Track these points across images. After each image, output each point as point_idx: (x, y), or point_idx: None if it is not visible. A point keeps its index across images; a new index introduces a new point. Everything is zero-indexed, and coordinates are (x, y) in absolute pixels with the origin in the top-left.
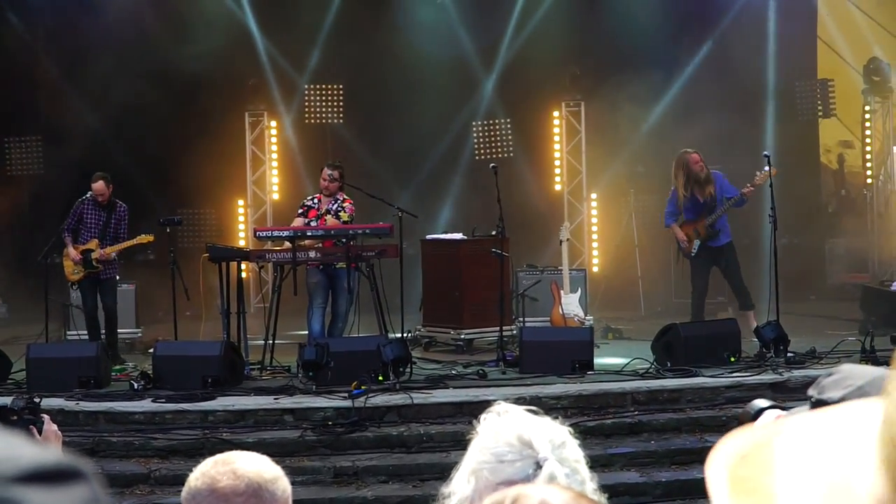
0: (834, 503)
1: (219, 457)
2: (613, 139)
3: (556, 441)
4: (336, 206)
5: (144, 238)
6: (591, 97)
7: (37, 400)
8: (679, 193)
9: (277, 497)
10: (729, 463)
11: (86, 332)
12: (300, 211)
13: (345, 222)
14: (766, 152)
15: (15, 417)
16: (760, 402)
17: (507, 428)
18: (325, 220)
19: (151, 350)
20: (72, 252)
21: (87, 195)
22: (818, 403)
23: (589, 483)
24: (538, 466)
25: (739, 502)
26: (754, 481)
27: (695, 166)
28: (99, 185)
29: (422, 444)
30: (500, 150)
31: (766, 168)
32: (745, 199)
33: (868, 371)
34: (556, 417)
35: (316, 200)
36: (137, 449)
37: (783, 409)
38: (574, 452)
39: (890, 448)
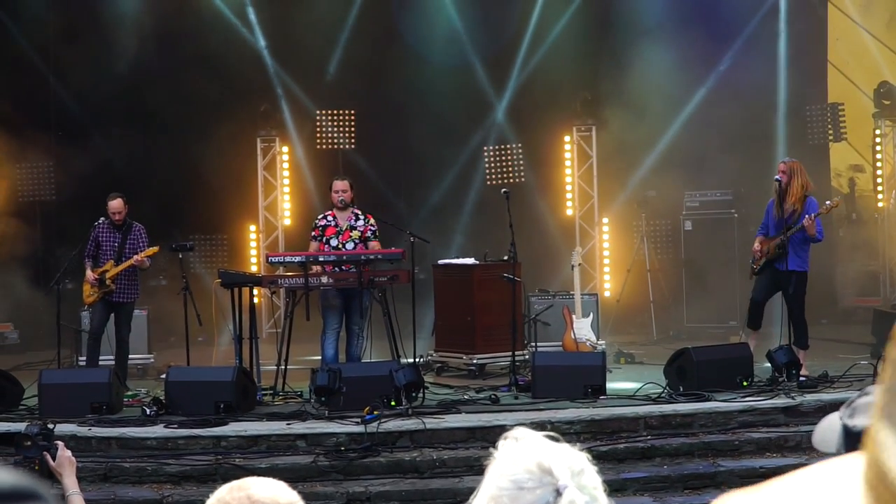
0: None
1: (235, 483)
2: (625, 164)
3: (576, 468)
4: (361, 223)
5: (150, 251)
6: (602, 122)
7: (50, 426)
8: (775, 203)
9: None
10: None
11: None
12: (314, 234)
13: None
14: (777, 177)
15: (29, 443)
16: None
17: (526, 454)
18: (350, 235)
19: (164, 375)
20: (89, 274)
21: (100, 220)
22: (848, 431)
23: None
24: (558, 494)
25: None
26: None
27: (777, 175)
28: (117, 203)
29: (434, 470)
30: (511, 174)
31: (828, 203)
32: (805, 231)
33: None
34: (574, 444)
35: (330, 218)
36: (150, 475)
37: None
38: (593, 480)
39: (880, 485)
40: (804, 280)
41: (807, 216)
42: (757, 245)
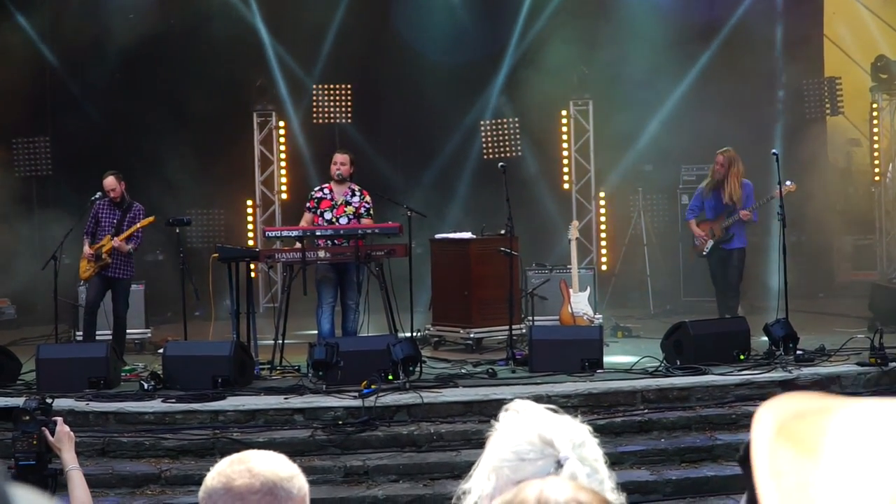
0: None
1: (235, 456)
2: (621, 138)
3: (577, 440)
4: (357, 199)
5: (145, 221)
6: (599, 96)
7: (49, 401)
8: (705, 188)
9: (293, 495)
10: (781, 414)
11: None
12: (309, 205)
13: (370, 216)
14: (774, 150)
15: (27, 418)
16: None
17: (527, 426)
18: (344, 210)
19: (161, 350)
20: (86, 250)
21: (97, 195)
22: None
23: (607, 482)
24: (559, 465)
25: (782, 445)
26: (804, 434)
27: (714, 166)
28: (109, 181)
29: (432, 443)
30: (508, 149)
31: (788, 183)
32: (744, 218)
33: None
34: (576, 416)
35: (327, 191)
36: (148, 449)
37: None
38: (594, 451)
39: None
40: (744, 255)
41: (742, 211)
42: (699, 230)
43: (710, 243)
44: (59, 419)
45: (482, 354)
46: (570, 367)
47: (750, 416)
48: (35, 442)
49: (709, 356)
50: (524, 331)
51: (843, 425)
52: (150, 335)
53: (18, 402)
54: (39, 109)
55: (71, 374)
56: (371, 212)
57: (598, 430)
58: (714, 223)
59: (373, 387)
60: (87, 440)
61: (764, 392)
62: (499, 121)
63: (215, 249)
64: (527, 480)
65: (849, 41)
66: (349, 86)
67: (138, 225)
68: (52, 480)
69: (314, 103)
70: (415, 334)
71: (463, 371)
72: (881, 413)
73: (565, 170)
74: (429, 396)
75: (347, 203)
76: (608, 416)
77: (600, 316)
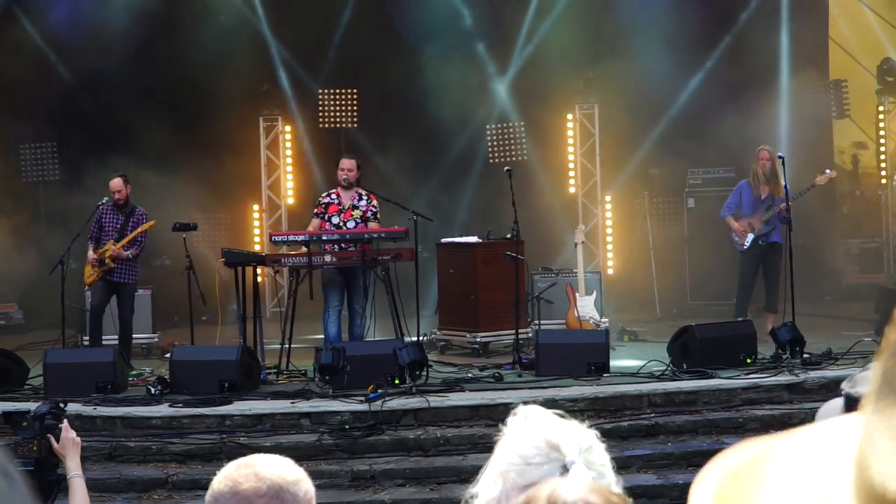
0: None
1: (241, 460)
2: (627, 141)
3: (584, 445)
4: (364, 203)
5: (146, 225)
6: (604, 100)
7: (62, 405)
8: (752, 185)
9: (300, 499)
10: (718, 482)
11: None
12: (316, 211)
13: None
14: (780, 153)
15: (26, 424)
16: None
17: (534, 431)
18: (351, 214)
19: (168, 355)
20: (90, 255)
21: (104, 200)
22: (849, 398)
23: (614, 487)
24: (565, 470)
25: None
26: (741, 499)
27: (758, 162)
28: (116, 182)
29: (438, 448)
30: (514, 152)
31: (828, 171)
32: (785, 214)
33: None
34: (583, 420)
35: (334, 196)
36: (155, 454)
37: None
38: (600, 456)
39: (862, 475)
40: (782, 250)
41: (784, 203)
42: (737, 225)
43: (751, 237)
44: (65, 424)
45: (489, 358)
46: (576, 371)
47: (757, 419)
48: (35, 448)
49: (715, 360)
50: (530, 335)
51: (778, 472)
52: (157, 340)
53: (28, 406)
54: (46, 115)
55: (78, 378)
56: (378, 216)
57: (605, 435)
58: (753, 218)
59: (379, 391)
60: (94, 445)
61: (771, 396)
62: (504, 125)
63: (222, 254)
64: (533, 485)
65: (854, 44)
66: (355, 90)
67: (139, 229)
68: (55, 486)
69: (320, 108)
70: (421, 338)
71: (469, 375)
72: (810, 445)
73: (571, 174)
74: (435, 400)
75: (355, 207)
76: (615, 420)
77: (606, 320)
